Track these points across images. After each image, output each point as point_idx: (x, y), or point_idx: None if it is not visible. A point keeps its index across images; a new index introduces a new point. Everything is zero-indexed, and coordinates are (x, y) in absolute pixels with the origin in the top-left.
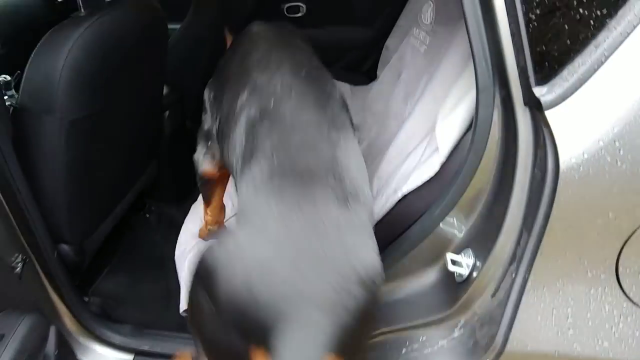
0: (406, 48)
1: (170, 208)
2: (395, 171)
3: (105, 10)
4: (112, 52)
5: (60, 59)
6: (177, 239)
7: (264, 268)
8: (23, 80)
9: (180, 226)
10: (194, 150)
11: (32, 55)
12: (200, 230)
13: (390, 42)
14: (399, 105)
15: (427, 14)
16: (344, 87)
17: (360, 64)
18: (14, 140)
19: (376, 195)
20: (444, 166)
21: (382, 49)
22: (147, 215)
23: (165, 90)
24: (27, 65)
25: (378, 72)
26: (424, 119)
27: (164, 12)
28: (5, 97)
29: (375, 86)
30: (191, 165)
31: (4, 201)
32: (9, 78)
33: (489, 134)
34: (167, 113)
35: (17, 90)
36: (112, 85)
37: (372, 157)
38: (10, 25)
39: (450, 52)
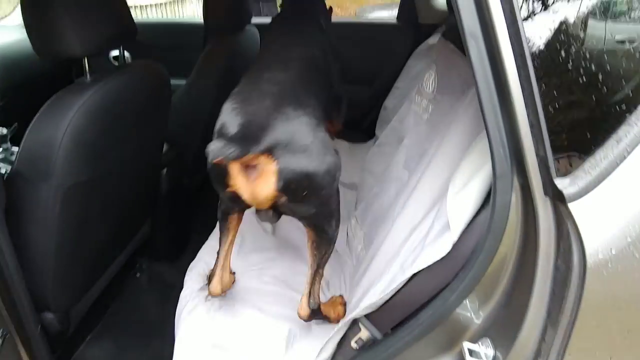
0: (408, 113)
1: (163, 267)
2: (401, 246)
3: (111, 76)
4: (115, 118)
5: (61, 127)
6: (167, 301)
7: None
8: (21, 146)
9: (172, 287)
10: (190, 207)
11: (32, 122)
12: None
13: (388, 102)
14: (399, 170)
15: (429, 83)
16: (342, 144)
17: (359, 122)
18: (6, 207)
19: (382, 271)
20: (456, 246)
21: (380, 108)
22: (138, 275)
23: (164, 148)
24: (27, 132)
25: (377, 132)
26: (429, 191)
27: (168, 70)
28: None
29: (376, 147)
30: (186, 223)
31: None
32: (5, 131)
33: (507, 220)
34: (164, 170)
35: (12, 143)
36: (113, 150)
37: (372, 221)
38: (10, 77)
39: (456, 123)
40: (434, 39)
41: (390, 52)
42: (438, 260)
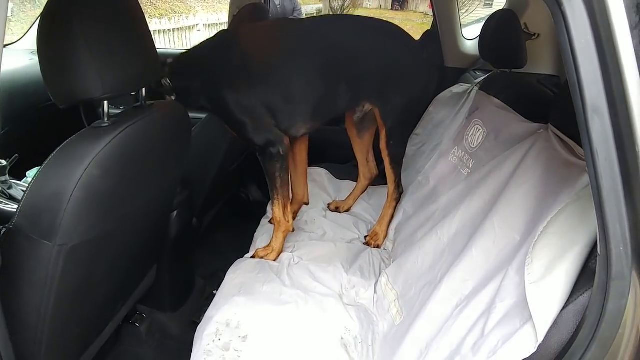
0: (443, 166)
1: (164, 316)
2: (449, 319)
3: (130, 119)
4: (133, 167)
5: (73, 178)
6: (169, 355)
7: None
8: (24, 199)
9: (173, 339)
10: (196, 250)
11: (39, 171)
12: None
13: (408, 149)
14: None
15: (475, 138)
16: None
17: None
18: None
19: (428, 344)
20: (542, 346)
21: None
22: (137, 325)
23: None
24: (32, 182)
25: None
26: (482, 262)
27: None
28: None
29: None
30: (191, 267)
31: None
32: (4, 162)
33: (618, 329)
34: (174, 213)
35: (10, 175)
36: (127, 202)
37: (406, 282)
38: (14, 105)
39: (516, 187)
40: (458, 88)
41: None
42: None
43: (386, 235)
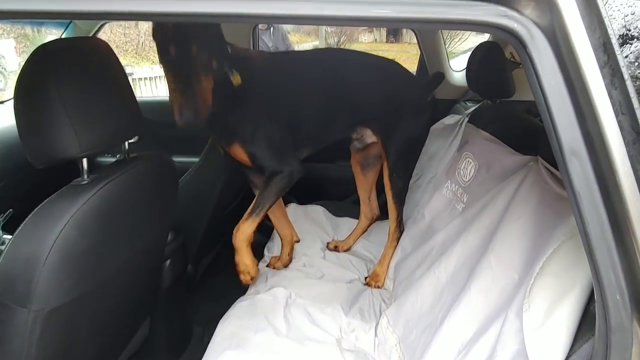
0: (436, 201)
1: None
2: None
3: (110, 176)
4: (113, 224)
5: (47, 241)
6: None
7: None
8: None
9: None
10: (192, 298)
11: (15, 234)
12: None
13: None
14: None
15: (467, 171)
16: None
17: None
18: None
19: None
20: None
21: None
22: None
23: (169, 237)
24: (7, 247)
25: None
26: (482, 303)
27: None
28: None
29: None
30: (188, 315)
31: None
32: None
33: None
34: (167, 262)
35: (4, 231)
36: (109, 261)
37: (406, 324)
38: (10, 160)
39: (510, 223)
40: (450, 119)
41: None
42: None
43: (386, 275)
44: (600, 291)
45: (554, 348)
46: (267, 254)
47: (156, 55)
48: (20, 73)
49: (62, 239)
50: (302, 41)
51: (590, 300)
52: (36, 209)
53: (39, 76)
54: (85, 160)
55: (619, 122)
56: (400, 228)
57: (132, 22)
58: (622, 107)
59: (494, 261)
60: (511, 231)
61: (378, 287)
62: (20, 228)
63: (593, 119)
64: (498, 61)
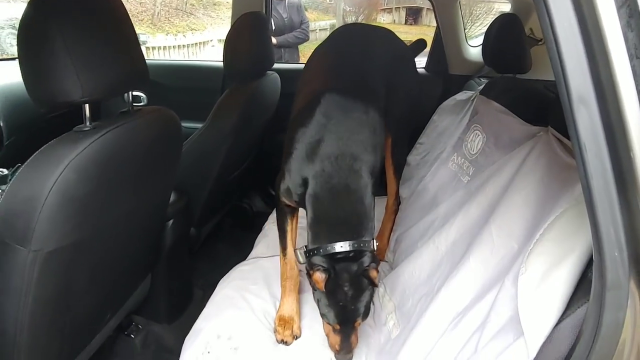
0: (443, 174)
1: (161, 328)
2: (445, 332)
3: (113, 124)
4: (112, 171)
5: (47, 182)
6: None
7: None
8: (0, 202)
9: (170, 351)
10: (194, 261)
11: (16, 175)
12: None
13: (411, 158)
14: (434, 238)
15: (475, 144)
16: None
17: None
18: None
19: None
20: None
21: None
22: (132, 336)
23: (172, 197)
24: (8, 187)
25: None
26: (480, 271)
27: (183, 113)
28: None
29: (403, 208)
30: (189, 279)
31: None
32: (5, 172)
33: (617, 345)
34: (170, 222)
35: None
36: (107, 208)
37: (403, 292)
38: (19, 116)
39: (514, 193)
40: (462, 95)
41: (415, 104)
42: None
43: (387, 248)
44: (599, 247)
45: (546, 311)
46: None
47: (170, 26)
48: (22, 16)
49: (62, 181)
50: (319, 19)
51: (588, 267)
52: (37, 151)
53: (42, 19)
54: (87, 107)
55: (632, 67)
56: (397, 201)
57: None
58: (638, 50)
59: (495, 231)
60: (514, 201)
61: (380, 260)
62: (21, 169)
63: (605, 63)
64: (516, 33)
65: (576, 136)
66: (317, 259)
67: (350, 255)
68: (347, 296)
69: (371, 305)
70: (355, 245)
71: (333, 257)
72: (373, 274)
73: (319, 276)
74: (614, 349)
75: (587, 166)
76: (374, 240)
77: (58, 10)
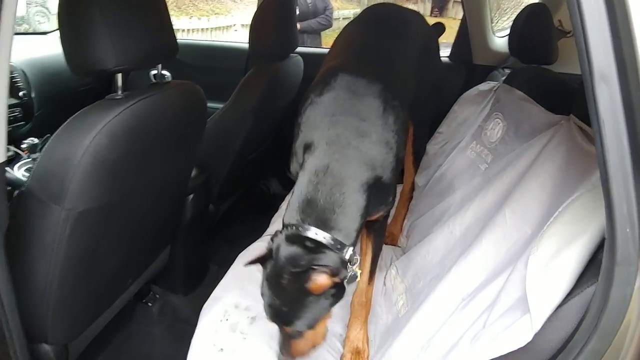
0: (461, 161)
1: (177, 299)
2: (453, 312)
3: (143, 94)
4: (142, 139)
5: (81, 145)
6: (178, 337)
7: None
8: (36, 163)
9: (184, 321)
10: (211, 238)
11: (52, 137)
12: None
13: (430, 147)
14: (449, 222)
15: (495, 132)
16: None
17: None
18: (12, 225)
19: (429, 338)
20: (538, 337)
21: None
22: (149, 304)
23: (193, 172)
24: (45, 148)
25: (417, 178)
26: (492, 254)
27: (206, 93)
28: (29, 160)
29: (420, 195)
30: (206, 254)
31: None
32: (36, 141)
33: (623, 320)
34: (190, 196)
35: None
36: (136, 175)
37: (415, 274)
38: (50, 88)
39: (530, 180)
40: (485, 86)
41: (437, 91)
42: (511, 352)
43: (400, 233)
44: (611, 223)
45: (553, 287)
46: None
47: (195, 9)
48: None
49: (95, 144)
50: (343, 7)
51: (599, 250)
52: (72, 117)
53: None
54: (119, 76)
55: None
56: (413, 189)
57: None
58: None
59: (509, 215)
60: (530, 187)
61: (393, 245)
62: (56, 132)
63: (629, 41)
64: (544, 23)
65: (595, 112)
66: (278, 234)
67: (309, 245)
68: (279, 290)
69: (383, 287)
70: (325, 238)
71: (292, 238)
72: (317, 278)
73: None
74: (619, 324)
75: (604, 141)
76: (352, 250)
77: None
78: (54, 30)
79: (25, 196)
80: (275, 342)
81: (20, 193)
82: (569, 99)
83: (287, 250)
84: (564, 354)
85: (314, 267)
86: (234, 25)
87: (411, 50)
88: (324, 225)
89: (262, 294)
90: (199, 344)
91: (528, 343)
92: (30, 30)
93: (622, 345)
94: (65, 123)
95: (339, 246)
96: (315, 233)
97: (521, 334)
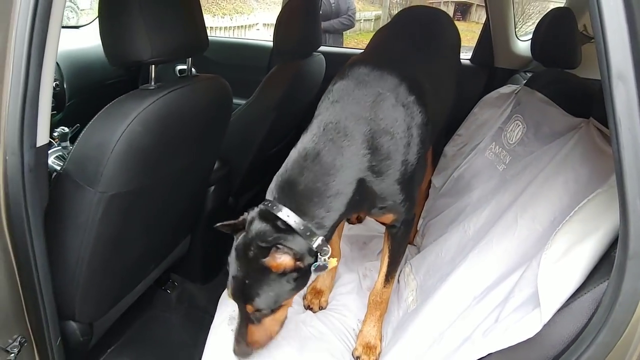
0: (479, 163)
1: (194, 288)
2: (467, 308)
3: (174, 86)
4: (173, 129)
5: (117, 131)
6: (194, 324)
7: None
8: (74, 147)
9: (201, 309)
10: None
11: (89, 123)
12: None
13: (448, 149)
14: (464, 222)
15: (514, 134)
16: None
17: None
18: (48, 205)
19: (442, 332)
20: (547, 328)
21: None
22: (169, 292)
23: (215, 165)
24: (82, 133)
25: (434, 179)
26: (507, 252)
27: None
28: (59, 147)
29: (437, 195)
30: (224, 245)
31: (17, 276)
32: (67, 130)
33: (634, 313)
34: (212, 188)
35: (71, 142)
36: (165, 163)
37: (427, 271)
38: (82, 80)
39: (545, 181)
40: (506, 89)
41: (458, 93)
42: (521, 342)
43: (416, 233)
44: (625, 218)
45: (564, 281)
46: None
47: (217, 8)
48: None
49: (129, 131)
50: (365, 9)
51: (612, 247)
52: (108, 105)
53: None
54: (153, 68)
55: None
56: (428, 190)
57: None
58: None
59: (524, 215)
60: (547, 188)
61: (409, 244)
62: (94, 119)
63: None
64: (568, 27)
65: (612, 111)
66: (254, 208)
67: (279, 225)
68: (245, 262)
69: (396, 284)
70: (295, 223)
71: (265, 214)
72: (278, 257)
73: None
74: (630, 317)
75: (620, 139)
76: (322, 240)
77: None
78: (86, 25)
79: (62, 178)
80: (286, 327)
81: (58, 175)
82: (589, 102)
83: (258, 225)
84: (574, 346)
85: (279, 245)
86: (257, 24)
87: (440, 51)
88: (298, 210)
89: (229, 263)
90: (218, 330)
91: (540, 335)
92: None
93: (632, 339)
94: (102, 110)
95: (308, 233)
96: (287, 215)
97: (531, 326)
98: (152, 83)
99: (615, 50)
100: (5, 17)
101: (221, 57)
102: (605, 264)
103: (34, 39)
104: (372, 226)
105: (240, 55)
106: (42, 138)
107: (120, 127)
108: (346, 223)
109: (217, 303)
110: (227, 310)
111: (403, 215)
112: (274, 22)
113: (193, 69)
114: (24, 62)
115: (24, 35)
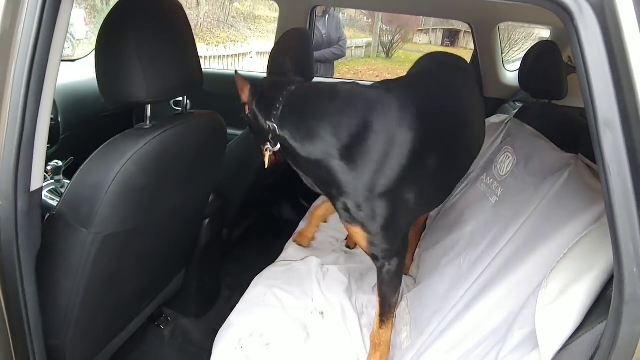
0: (471, 194)
1: (188, 322)
2: (466, 351)
3: (171, 124)
4: (169, 167)
5: (111, 172)
6: (189, 358)
7: None
8: (68, 187)
9: (195, 346)
10: (224, 262)
11: (84, 164)
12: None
13: None
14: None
15: (505, 165)
16: None
17: None
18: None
19: None
20: None
21: None
22: (162, 327)
23: (210, 198)
24: (76, 173)
25: None
26: (503, 291)
27: (225, 122)
28: (52, 181)
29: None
30: (218, 278)
31: (7, 322)
32: (60, 163)
33: (633, 354)
34: (206, 221)
35: (64, 176)
36: (160, 200)
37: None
38: (76, 113)
39: (540, 217)
40: (496, 118)
41: None
42: None
43: (412, 262)
44: (619, 262)
45: (562, 322)
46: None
47: (211, 37)
48: (103, 22)
49: (124, 171)
50: (355, 36)
51: (609, 285)
52: (104, 144)
53: (119, 26)
54: (149, 107)
55: None
56: (426, 220)
57: (194, 3)
58: None
59: (519, 252)
60: (541, 227)
61: (404, 274)
62: (88, 159)
63: (630, 91)
64: (554, 60)
65: (601, 157)
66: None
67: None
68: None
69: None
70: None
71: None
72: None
73: None
74: None
75: (610, 185)
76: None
77: (134, 19)
78: (81, 58)
79: (55, 220)
80: None
81: (51, 216)
82: (577, 135)
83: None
84: None
85: None
86: (250, 53)
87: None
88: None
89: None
90: None
91: None
92: None
93: None
94: (97, 150)
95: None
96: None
97: None
98: (148, 122)
99: (601, 99)
100: (4, 60)
101: (216, 88)
102: (602, 303)
103: (31, 84)
104: (366, 258)
105: (234, 86)
106: (37, 182)
107: (115, 168)
108: (343, 253)
109: (213, 338)
110: (223, 353)
111: (377, 248)
112: (268, 50)
113: (188, 102)
114: (21, 108)
115: (21, 81)
